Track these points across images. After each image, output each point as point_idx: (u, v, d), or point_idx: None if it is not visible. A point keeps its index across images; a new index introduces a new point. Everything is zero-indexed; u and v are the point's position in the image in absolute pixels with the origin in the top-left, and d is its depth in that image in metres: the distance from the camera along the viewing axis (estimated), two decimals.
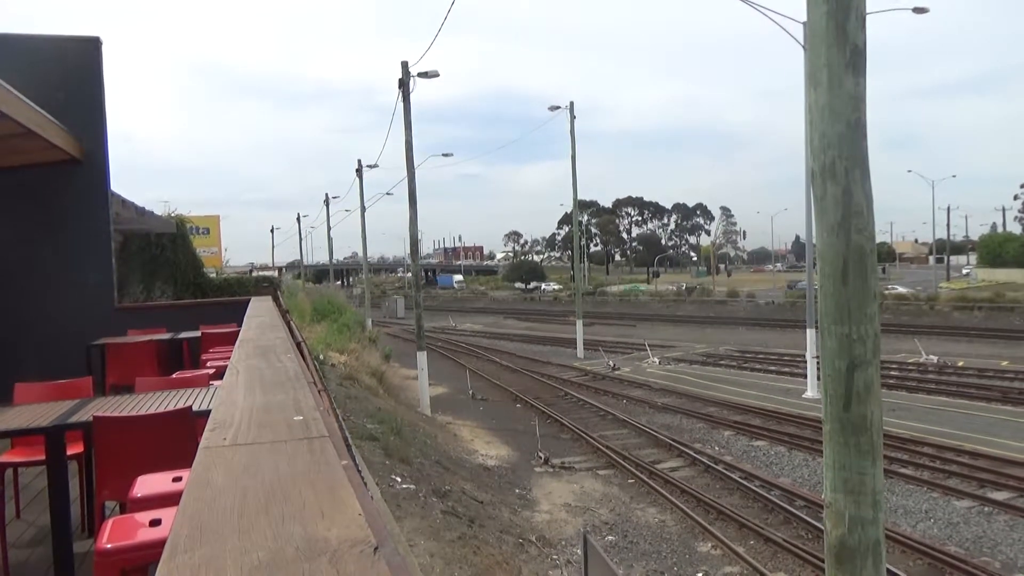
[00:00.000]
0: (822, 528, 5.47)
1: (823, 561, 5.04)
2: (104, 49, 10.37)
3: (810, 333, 22.48)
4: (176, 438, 4.12)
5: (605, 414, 21.90)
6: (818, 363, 6.33)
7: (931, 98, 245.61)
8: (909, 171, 65.30)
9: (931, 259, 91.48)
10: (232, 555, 1.23)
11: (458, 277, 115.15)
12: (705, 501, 13.82)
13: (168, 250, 15.53)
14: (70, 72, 9.93)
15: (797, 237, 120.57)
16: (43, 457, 4.29)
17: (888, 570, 4.94)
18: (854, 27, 4.51)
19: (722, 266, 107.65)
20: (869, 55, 4.59)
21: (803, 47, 20.57)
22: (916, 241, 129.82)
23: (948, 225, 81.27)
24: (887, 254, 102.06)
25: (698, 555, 11.81)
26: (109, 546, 2.57)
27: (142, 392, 5.19)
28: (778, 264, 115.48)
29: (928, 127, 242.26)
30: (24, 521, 5.00)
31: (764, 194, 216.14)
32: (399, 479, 11.20)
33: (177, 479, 3.19)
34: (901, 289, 53.31)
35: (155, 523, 2.68)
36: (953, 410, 19.88)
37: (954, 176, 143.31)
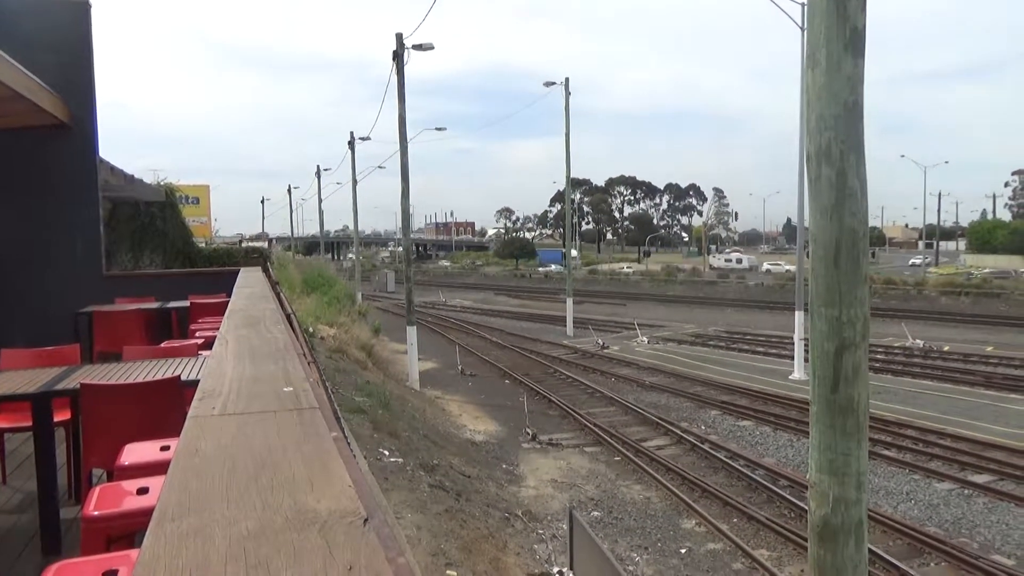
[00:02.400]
0: (805, 508, 5.55)
1: (805, 540, 5.10)
2: (94, 13, 10.19)
3: (798, 315, 22.59)
4: (164, 407, 4.10)
5: (593, 392, 22.01)
6: (806, 345, 6.37)
7: (925, 83, 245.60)
8: (902, 156, 65.65)
9: (921, 244, 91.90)
10: (220, 524, 1.23)
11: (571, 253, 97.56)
12: (690, 479, 13.95)
13: (157, 219, 15.38)
14: (59, 35, 9.74)
15: (789, 220, 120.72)
16: (29, 423, 4.27)
17: (869, 549, 5.00)
18: (854, 8, 4.48)
19: (713, 247, 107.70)
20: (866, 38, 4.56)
21: (801, 28, 20.47)
22: (907, 226, 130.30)
23: (939, 211, 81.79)
24: (877, 239, 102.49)
25: (682, 532, 11.95)
26: (96, 513, 2.56)
27: (130, 360, 5.16)
28: (763, 247, 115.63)
29: (922, 112, 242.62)
30: (10, 487, 4.99)
31: (757, 176, 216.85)
32: (387, 452, 11.24)
33: (165, 448, 3.18)
34: None
35: (142, 491, 2.67)
36: (937, 394, 20.09)
37: (947, 162, 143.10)
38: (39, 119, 9.03)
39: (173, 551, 1.13)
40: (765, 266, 75.08)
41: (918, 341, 29.00)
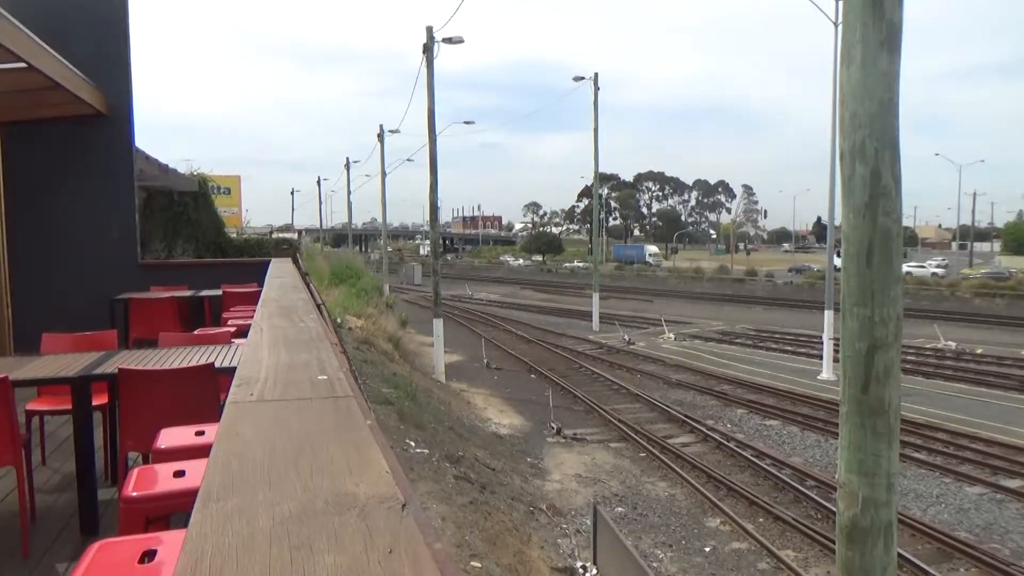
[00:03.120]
0: (832, 509, 5.53)
1: (832, 541, 5.07)
2: (130, 2, 10.36)
3: (827, 314, 22.32)
4: (198, 393, 4.18)
5: (619, 388, 21.96)
6: (835, 345, 6.31)
7: (962, 81, 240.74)
8: (936, 154, 64.18)
9: (954, 245, 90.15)
10: (264, 505, 1.26)
11: (652, 249, 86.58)
12: (715, 477, 13.88)
13: (190, 208, 15.59)
14: (96, 25, 9.92)
15: (819, 218, 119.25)
16: (69, 406, 4.38)
17: (897, 552, 4.95)
18: (892, 3, 4.41)
19: (741, 245, 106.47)
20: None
21: (835, 24, 20.18)
22: (940, 226, 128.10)
23: (973, 211, 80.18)
24: (910, 239, 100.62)
25: (707, 530, 11.90)
26: (135, 494, 2.62)
27: (165, 347, 5.26)
28: (784, 245, 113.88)
29: (957, 110, 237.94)
30: (49, 468, 5.12)
31: (787, 174, 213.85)
32: (413, 443, 11.32)
33: (200, 433, 3.25)
34: None
35: (179, 474, 2.73)
36: (970, 397, 19.75)
37: (982, 161, 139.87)
38: (77, 109, 9.22)
39: (219, 529, 1.17)
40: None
41: (950, 343, 28.52)
